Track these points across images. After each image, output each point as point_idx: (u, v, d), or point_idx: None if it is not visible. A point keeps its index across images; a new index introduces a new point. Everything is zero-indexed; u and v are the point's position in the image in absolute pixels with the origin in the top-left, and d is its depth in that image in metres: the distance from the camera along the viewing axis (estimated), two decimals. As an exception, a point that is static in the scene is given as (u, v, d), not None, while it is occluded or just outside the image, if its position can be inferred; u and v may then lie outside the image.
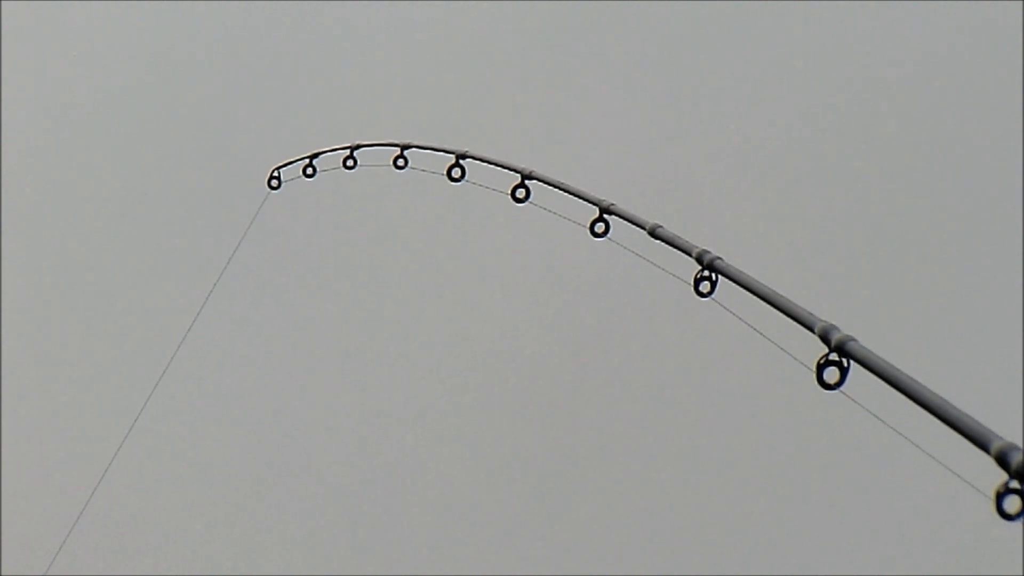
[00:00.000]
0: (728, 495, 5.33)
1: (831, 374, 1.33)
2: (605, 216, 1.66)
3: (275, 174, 2.72)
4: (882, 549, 4.13)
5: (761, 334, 1.52)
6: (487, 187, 1.87)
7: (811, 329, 1.37)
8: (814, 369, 1.33)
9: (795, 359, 1.46)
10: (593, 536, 4.73)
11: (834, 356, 1.34)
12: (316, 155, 2.59)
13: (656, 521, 4.61)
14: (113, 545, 4.09)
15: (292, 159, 2.65)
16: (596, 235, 1.64)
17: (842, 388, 1.34)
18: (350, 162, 2.49)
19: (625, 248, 1.57)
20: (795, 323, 1.44)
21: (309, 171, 2.63)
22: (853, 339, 1.32)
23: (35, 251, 4.53)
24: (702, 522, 5.06)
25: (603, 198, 1.65)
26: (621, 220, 1.60)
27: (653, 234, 1.56)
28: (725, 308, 1.50)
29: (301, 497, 4.37)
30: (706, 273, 1.50)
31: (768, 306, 1.43)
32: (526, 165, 1.75)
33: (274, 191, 2.83)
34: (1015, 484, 1.11)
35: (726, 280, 1.46)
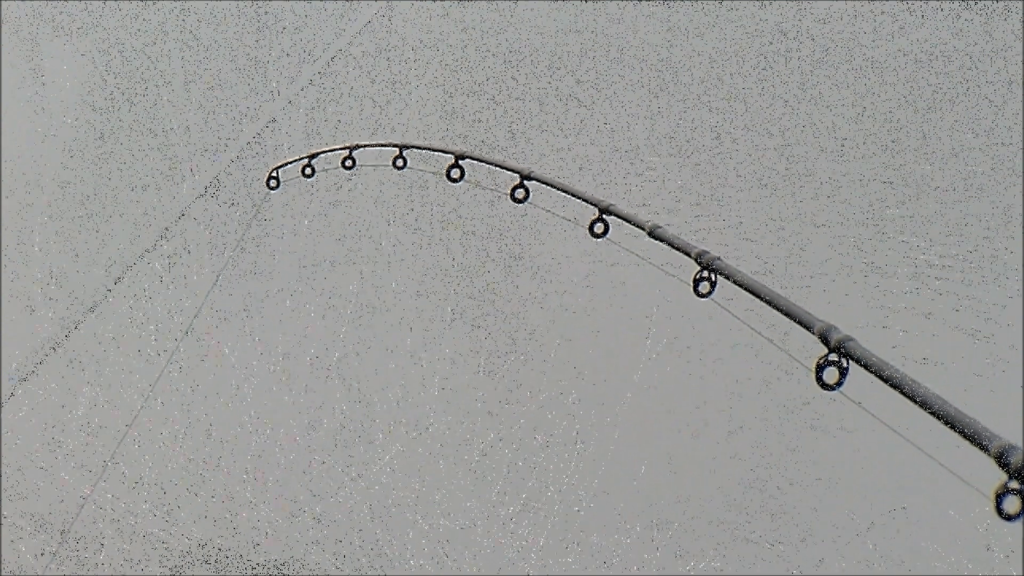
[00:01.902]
0: (728, 492, 5.32)
1: (830, 374, 1.33)
2: (604, 216, 1.65)
3: (274, 174, 2.71)
4: (881, 547, 4.13)
5: (760, 334, 1.52)
6: (486, 187, 1.86)
7: (810, 329, 1.37)
8: (813, 369, 1.33)
9: (794, 359, 1.47)
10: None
11: (833, 356, 1.33)
12: (315, 155, 2.58)
13: (657, 520, 4.60)
14: (112, 537, 4.09)
15: (291, 159, 2.64)
16: (595, 235, 1.64)
17: (841, 388, 1.34)
18: (349, 162, 2.48)
19: (625, 248, 1.57)
20: (794, 323, 1.44)
21: (308, 171, 2.62)
22: (852, 339, 1.32)
23: (39, 253, 4.54)
24: (703, 521, 5.07)
25: (602, 198, 1.64)
26: (620, 220, 1.59)
27: (652, 234, 1.55)
28: (724, 308, 1.50)
29: (286, 498, 4.38)
30: (705, 274, 1.49)
31: (767, 306, 1.43)
32: (525, 165, 1.75)
33: (273, 191, 2.82)
34: (1014, 484, 1.11)
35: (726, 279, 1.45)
